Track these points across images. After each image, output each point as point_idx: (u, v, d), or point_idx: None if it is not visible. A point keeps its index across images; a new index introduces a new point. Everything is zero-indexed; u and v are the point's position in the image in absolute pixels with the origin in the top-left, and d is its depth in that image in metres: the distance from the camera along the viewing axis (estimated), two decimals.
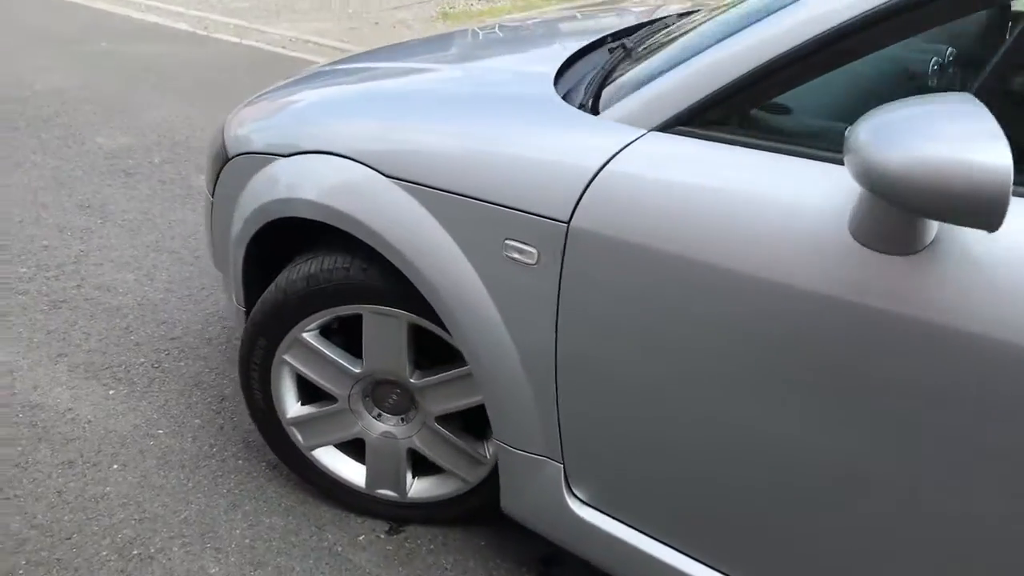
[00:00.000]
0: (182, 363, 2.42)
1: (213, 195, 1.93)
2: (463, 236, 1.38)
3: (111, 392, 2.28)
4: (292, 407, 1.79)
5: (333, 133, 1.57)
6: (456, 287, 1.40)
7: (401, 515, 1.86)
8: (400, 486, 1.80)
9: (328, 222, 1.54)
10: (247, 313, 1.91)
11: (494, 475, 1.71)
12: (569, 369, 1.33)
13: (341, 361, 1.68)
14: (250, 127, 1.79)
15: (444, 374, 1.63)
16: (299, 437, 1.81)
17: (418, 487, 1.81)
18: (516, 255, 1.32)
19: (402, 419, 1.75)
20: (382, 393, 1.73)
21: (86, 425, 2.14)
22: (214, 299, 2.75)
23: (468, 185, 1.36)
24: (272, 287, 1.68)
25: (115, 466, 2.01)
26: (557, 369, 1.35)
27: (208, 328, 2.59)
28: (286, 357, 1.72)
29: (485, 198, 1.34)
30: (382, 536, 1.83)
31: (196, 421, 2.18)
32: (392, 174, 1.46)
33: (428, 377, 1.65)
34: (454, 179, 1.38)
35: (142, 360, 2.42)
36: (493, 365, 1.41)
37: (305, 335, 1.67)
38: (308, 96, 1.77)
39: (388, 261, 1.51)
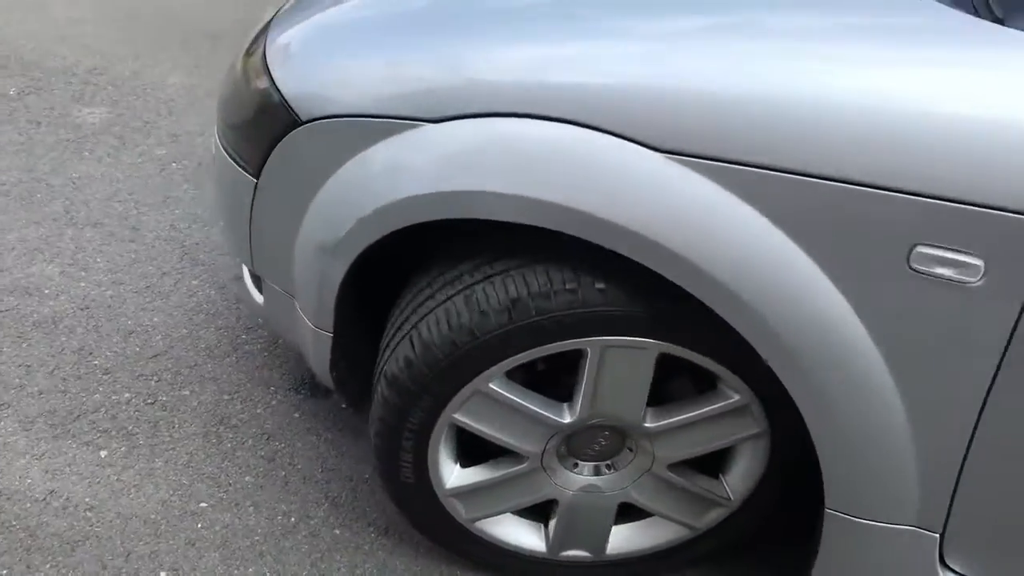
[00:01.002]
0: (186, 391, 1.77)
1: (259, 175, 1.28)
2: (825, 245, 0.89)
3: (103, 453, 1.62)
4: (452, 474, 1.27)
5: (544, 77, 0.98)
6: (808, 322, 0.92)
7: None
8: (600, 544, 1.35)
9: (555, 228, 0.99)
10: (335, 339, 1.33)
11: (732, 517, 1.30)
12: (1003, 425, 0.91)
13: (543, 411, 1.17)
14: (341, 69, 1.14)
15: (694, 413, 1.16)
16: (460, 510, 1.30)
17: (618, 540, 1.37)
18: (939, 269, 0.85)
19: (608, 467, 1.28)
20: (583, 440, 1.24)
21: (87, 515, 1.50)
22: (186, 288, 2.05)
23: (844, 162, 0.86)
24: (435, 328, 1.11)
25: (163, 575, 1.42)
26: (978, 426, 0.92)
27: (198, 332, 1.92)
28: (457, 416, 1.17)
29: (880, 183, 0.84)
30: None
31: (247, 479, 1.59)
32: (680, 149, 0.92)
33: (669, 419, 1.17)
34: (813, 153, 0.86)
35: (127, 396, 1.75)
36: (854, 421, 0.97)
37: (493, 385, 1.14)
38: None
39: (634, 274, 1.00)
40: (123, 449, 1.63)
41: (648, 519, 1.36)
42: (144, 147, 2.64)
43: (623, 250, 0.96)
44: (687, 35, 0.96)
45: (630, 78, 0.94)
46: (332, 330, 1.33)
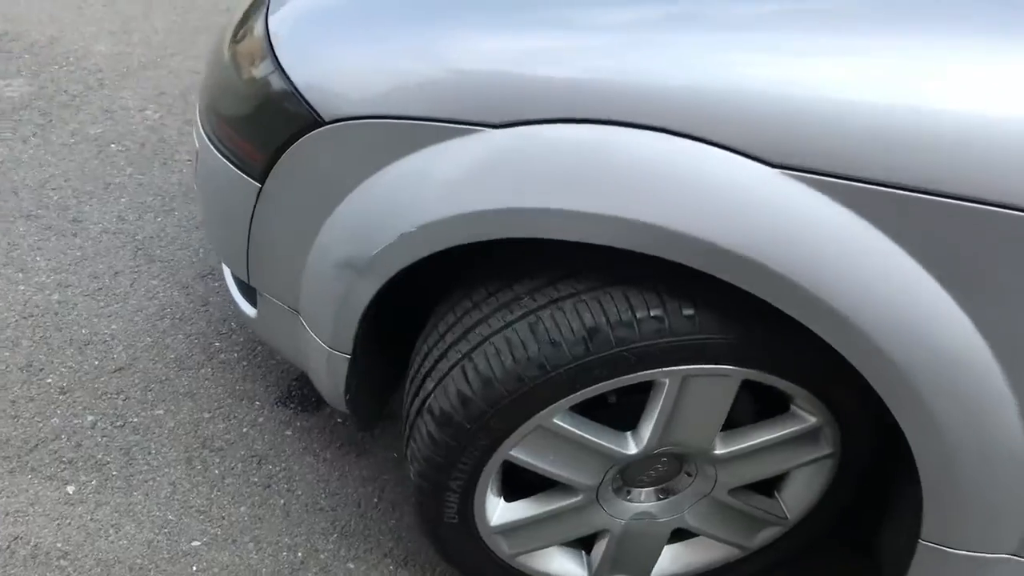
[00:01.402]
0: (159, 410, 1.58)
1: (263, 180, 1.11)
2: (956, 269, 0.80)
3: (70, 489, 1.43)
4: (497, 511, 1.15)
5: (641, 79, 0.85)
6: (931, 352, 0.83)
7: None
8: (646, 569, 1.26)
9: (653, 253, 0.87)
10: (352, 362, 1.18)
11: (785, 535, 1.24)
12: None
13: (608, 444, 1.06)
14: (376, 60, 0.98)
15: (768, 438, 1.08)
16: (503, 546, 1.19)
17: (664, 563, 1.28)
18: None
19: (662, 493, 1.19)
20: (640, 468, 1.14)
21: (61, 563, 1.32)
22: (144, 289, 1.84)
23: (990, 183, 0.76)
24: (495, 360, 0.97)
25: None
26: None
27: (165, 340, 1.72)
28: (513, 452, 1.05)
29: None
30: None
31: (242, 510, 1.43)
32: (797, 164, 0.81)
33: (740, 444, 1.08)
34: (954, 173, 0.77)
35: (91, 419, 1.55)
36: (970, 451, 0.89)
37: (557, 419, 1.02)
38: None
39: (723, 296, 0.90)
40: (93, 483, 1.44)
41: (695, 539, 1.28)
42: (75, 125, 2.36)
43: (729, 277, 0.85)
44: (809, 30, 0.84)
45: (742, 82, 0.82)
46: (351, 352, 1.18)
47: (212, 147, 1.20)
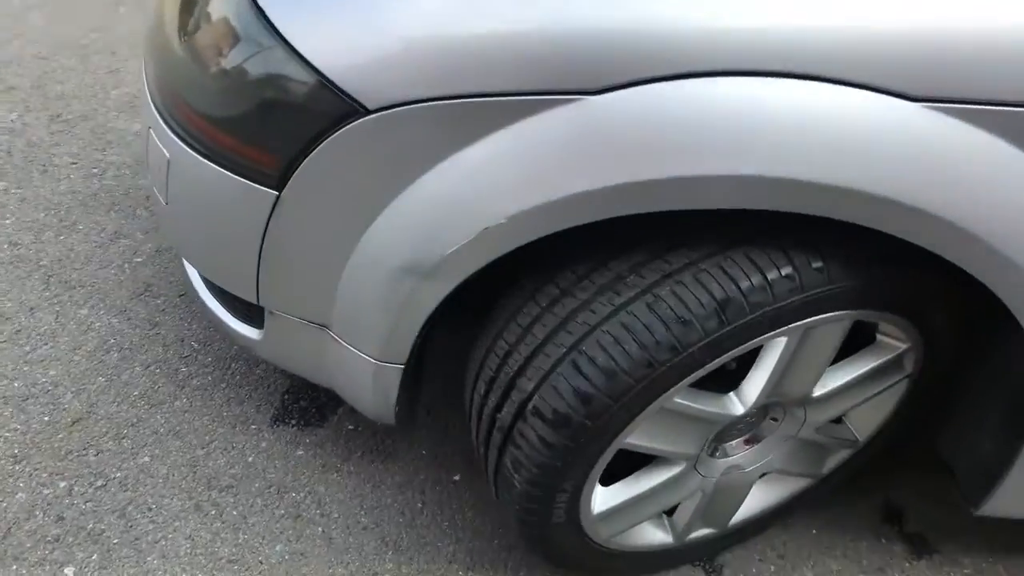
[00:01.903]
0: (144, 457, 1.38)
1: (282, 186, 0.95)
2: None
3: (69, 572, 1.23)
4: (598, 499, 1.08)
5: (755, 22, 0.76)
6: None
7: (718, 548, 1.32)
8: (728, 518, 1.25)
9: (804, 211, 0.80)
10: (406, 371, 1.06)
11: (851, 457, 1.26)
12: None
13: (718, 410, 1.01)
14: (431, 26, 0.82)
15: (864, 371, 1.07)
16: (600, 531, 1.13)
17: (741, 508, 1.27)
18: None
19: (748, 444, 1.16)
20: (731, 425, 1.10)
21: None
22: (74, 321, 1.58)
23: None
24: (616, 350, 0.88)
25: None
26: None
27: (120, 376, 1.50)
28: (630, 439, 0.98)
29: None
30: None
31: (278, 548, 1.28)
32: (945, 96, 0.76)
33: (837, 383, 1.07)
34: None
35: (64, 485, 1.33)
36: None
37: (678, 398, 0.95)
38: None
39: (846, 243, 0.87)
40: (95, 558, 1.25)
41: (766, 477, 1.27)
42: None
43: (878, 224, 0.80)
44: None
45: (875, 17, 0.75)
46: (405, 362, 1.05)
47: (197, 155, 1.01)
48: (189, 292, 1.42)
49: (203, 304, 1.28)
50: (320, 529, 1.31)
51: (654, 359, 0.88)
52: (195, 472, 1.36)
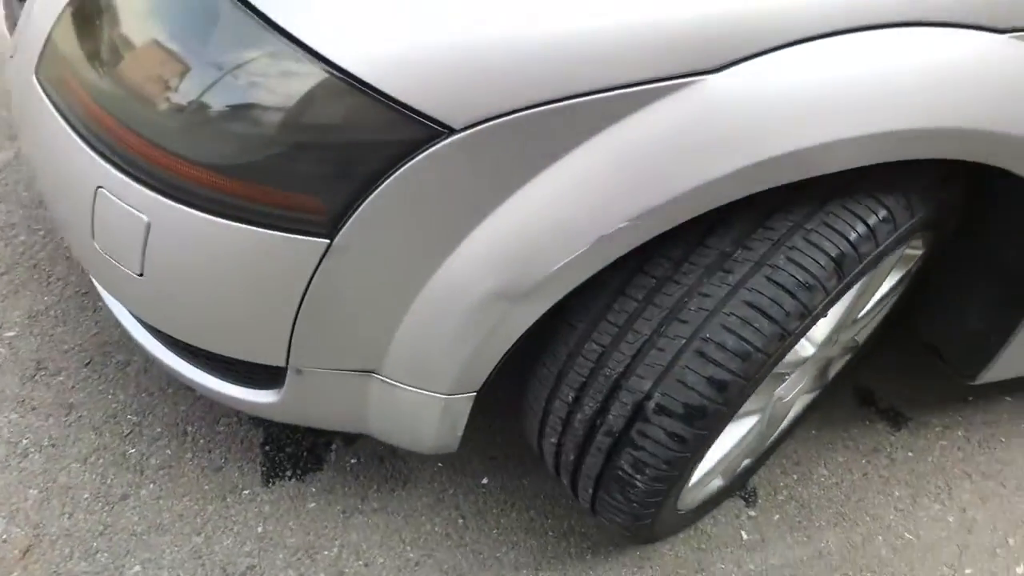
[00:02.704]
0: (135, 567, 1.16)
1: (335, 232, 0.80)
2: None
3: None
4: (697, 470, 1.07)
5: None
6: None
7: (752, 473, 1.37)
8: (763, 447, 1.30)
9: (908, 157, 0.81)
10: (477, 398, 0.98)
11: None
12: None
13: (794, 357, 1.03)
14: (522, 31, 0.71)
15: (892, 284, 1.14)
16: (687, 499, 1.12)
17: None
18: None
19: (790, 372, 1.21)
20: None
21: None
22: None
23: None
24: (745, 330, 0.86)
25: None
26: None
27: (57, 479, 1.23)
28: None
29: None
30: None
31: None
32: None
33: (873, 300, 1.13)
34: None
35: None
36: None
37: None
38: None
39: (921, 175, 0.91)
40: None
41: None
42: None
43: (971, 156, 0.84)
44: None
45: None
46: (479, 389, 0.96)
47: (199, 213, 0.82)
48: (158, 366, 1.19)
49: (186, 377, 1.08)
50: None
51: (785, 330, 0.86)
52: (204, 565, 1.18)
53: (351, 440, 1.34)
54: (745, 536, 1.31)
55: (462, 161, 0.76)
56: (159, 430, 1.32)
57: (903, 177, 0.90)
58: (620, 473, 0.97)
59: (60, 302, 1.46)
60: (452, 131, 0.74)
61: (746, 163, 0.76)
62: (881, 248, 0.89)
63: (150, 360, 1.20)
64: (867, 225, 0.87)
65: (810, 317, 0.87)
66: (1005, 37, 0.79)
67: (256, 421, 1.34)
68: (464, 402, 0.98)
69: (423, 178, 0.77)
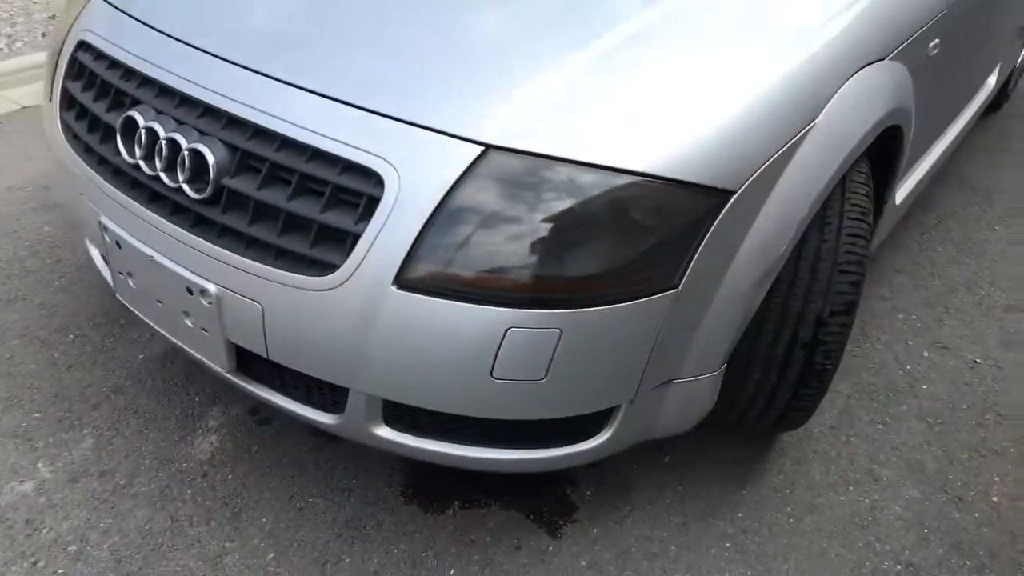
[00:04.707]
0: None
1: (678, 284, 1.28)
2: None
3: None
4: None
5: None
6: None
7: None
8: None
9: None
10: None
11: None
12: None
13: None
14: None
15: None
16: None
17: None
18: None
19: None
20: None
21: None
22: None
23: None
24: (859, 251, 1.49)
25: None
26: None
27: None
28: None
29: None
30: None
31: None
32: None
33: None
34: None
35: None
36: None
37: None
38: None
39: None
40: None
41: None
42: None
43: None
44: None
45: None
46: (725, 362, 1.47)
47: (593, 307, 1.21)
48: (484, 467, 1.43)
49: (525, 462, 1.39)
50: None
51: (868, 241, 1.51)
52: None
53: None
54: None
55: (742, 210, 1.28)
56: (217, 479, 1.55)
57: None
58: (817, 367, 1.54)
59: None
60: (733, 193, 1.26)
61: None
62: None
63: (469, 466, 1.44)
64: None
65: (872, 231, 1.54)
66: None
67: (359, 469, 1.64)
68: (720, 376, 1.46)
69: (725, 228, 1.27)
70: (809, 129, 1.35)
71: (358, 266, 1.22)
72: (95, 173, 1.50)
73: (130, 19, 1.57)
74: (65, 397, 1.81)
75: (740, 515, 1.67)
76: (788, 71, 1.34)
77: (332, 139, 1.25)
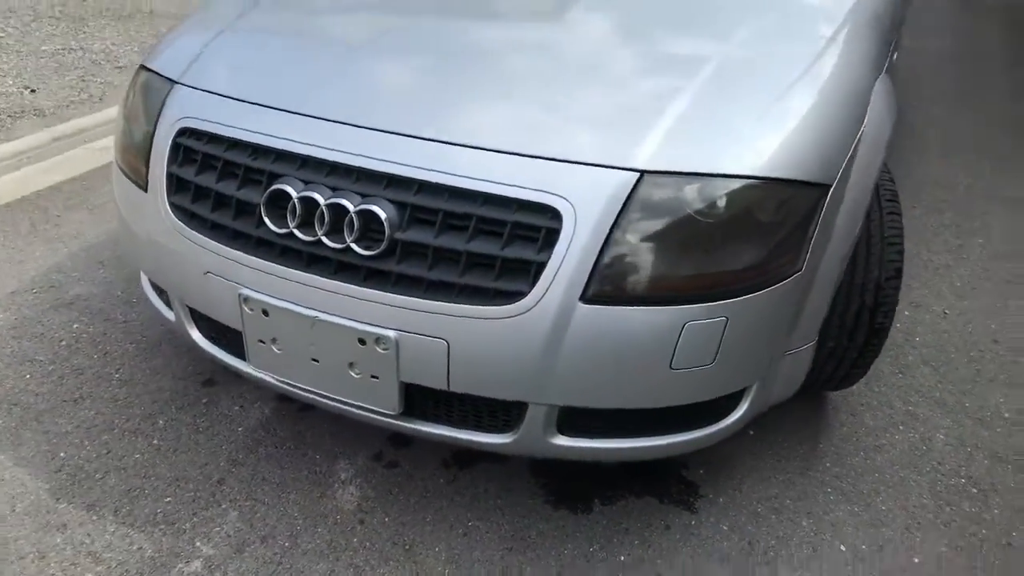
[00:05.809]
0: None
1: (804, 266, 1.55)
2: None
3: None
4: None
5: None
6: None
7: None
8: None
9: None
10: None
11: None
12: None
13: None
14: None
15: None
16: None
17: None
18: None
19: None
20: None
21: None
22: None
23: None
24: (898, 225, 1.81)
25: None
26: None
27: None
28: None
29: None
30: None
31: None
32: None
33: None
34: None
35: None
36: None
37: None
38: None
39: None
40: None
41: None
42: None
43: None
44: None
45: None
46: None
47: (746, 296, 1.46)
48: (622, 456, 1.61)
49: (657, 447, 1.60)
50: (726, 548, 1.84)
51: (902, 217, 1.85)
52: None
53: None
54: None
55: (835, 199, 1.56)
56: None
57: None
58: (878, 327, 1.85)
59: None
60: (830, 186, 1.54)
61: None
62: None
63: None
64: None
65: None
66: None
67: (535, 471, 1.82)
68: (816, 342, 1.74)
69: (826, 215, 1.55)
70: (864, 128, 1.67)
71: (547, 290, 1.40)
72: (231, 248, 1.58)
73: (235, 101, 1.66)
74: (187, 479, 1.82)
75: (828, 464, 1.94)
76: (853, 80, 1.66)
77: (506, 184, 1.42)
